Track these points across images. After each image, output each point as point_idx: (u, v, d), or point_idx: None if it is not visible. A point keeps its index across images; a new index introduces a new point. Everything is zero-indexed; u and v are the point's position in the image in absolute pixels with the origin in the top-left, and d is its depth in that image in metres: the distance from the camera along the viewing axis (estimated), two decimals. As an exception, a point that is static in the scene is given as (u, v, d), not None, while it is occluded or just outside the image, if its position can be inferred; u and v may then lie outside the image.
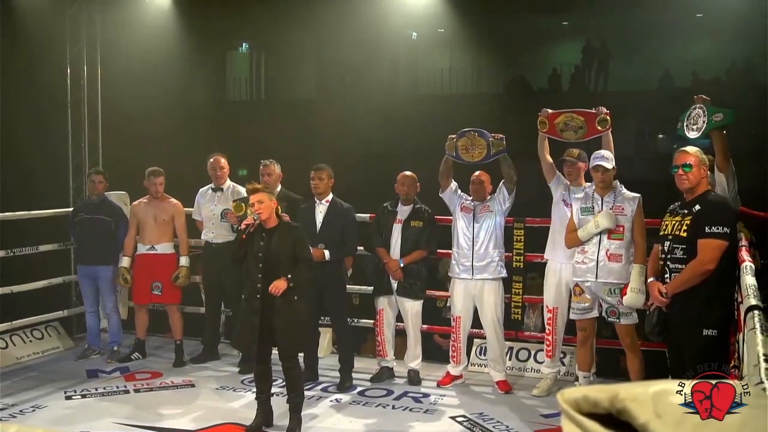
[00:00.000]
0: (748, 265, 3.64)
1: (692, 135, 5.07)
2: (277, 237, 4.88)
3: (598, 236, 5.24)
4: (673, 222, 4.36)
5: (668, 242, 4.36)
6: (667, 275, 4.36)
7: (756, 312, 2.70)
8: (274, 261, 4.85)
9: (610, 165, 5.24)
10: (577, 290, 5.40)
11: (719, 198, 4.35)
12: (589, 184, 5.73)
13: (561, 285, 5.82)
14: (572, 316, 5.55)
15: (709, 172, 4.49)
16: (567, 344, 6.18)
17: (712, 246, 4.10)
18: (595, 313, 5.40)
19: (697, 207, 4.22)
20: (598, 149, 5.58)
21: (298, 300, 4.93)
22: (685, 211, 4.28)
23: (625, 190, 5.31)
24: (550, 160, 5.87)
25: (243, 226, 4.92)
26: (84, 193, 7.90)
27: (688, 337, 4.24)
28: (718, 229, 4.09)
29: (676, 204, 4.47)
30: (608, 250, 5.21)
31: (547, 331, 5.99)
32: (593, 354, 5.64)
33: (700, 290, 4.16)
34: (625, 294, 5.07)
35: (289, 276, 4.81)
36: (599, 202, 5.29)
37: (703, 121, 5.03)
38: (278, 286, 4.78)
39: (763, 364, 2.07)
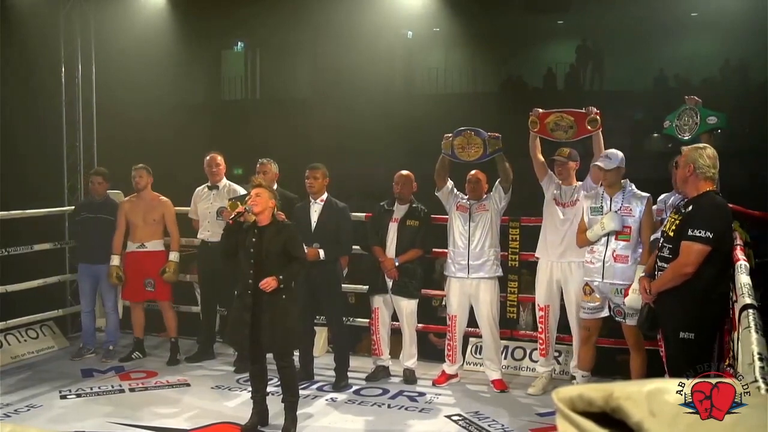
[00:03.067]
0: (742, 264, 3.64)
1: (684, 135, 5.08)
2: (269, 234, 4.89)
3: (606, 237, 5.23)
4: (670, 220, 4.32)
5: (662, 239, 4.36)
6: (657, 273, 4.36)
7: (751, 311, 2.70)
8: (265, 258, 4.86)
9: (610, 165, 5.22)
10: (587, 289, 5.39)
11: (713, 201, 4.13)
12: (580, 183, 5.75)
13: (552, 283, 5.83)
14: (582, 315, 5.52)
15: (713, 171, 4.18)
16: (562, 343, 6.19)
17: (692, 249, 4.01)
18: (605, 313, 5.39)
19: (690, 208, 4.13)
20: (590, 148, 5.60)
21: (286, 299, 4.93)
22: (683, 210, 4.22)
23: (635, 190, 5.28)
24: (542, 159, 5.88)
25: (234, 214, 4.94)
26: (79, 192, 7.89)
27: (669, 338, 4.26)
28: (700, 233, 3.98)
29: (682, 203, 4.37)
30: (615, 250, 5.20)
31: (539, 330, 6.00)
32: (594, 353, 5.64)
33: (682, 292, 4.11)
34: (627, 295, 5.06)
35: (281, 277, 4.82)
36: (608, 202, 5.29)
37: (695, 122, 5.04)
38: (269, 283, 4.79)
39: (757, 363, 2.07)
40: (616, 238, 5.21)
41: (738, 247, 4.06)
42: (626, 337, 5.37)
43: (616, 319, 5.36)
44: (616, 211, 5.21)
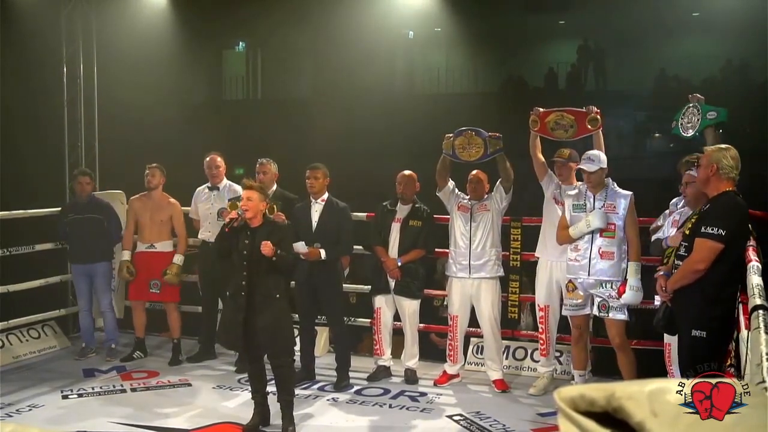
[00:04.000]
0: (754, 264, 3.63)
1: (687, 133, 5.07)
2: (261, 236, 4.89)
3: (591, 234, 5.25)
4: (690, 221, 4.34)
5: (681, 238, 4.38)
6: (673, 270, 4.39)
7: (761, 311, 2.69)
8: (258, 259, 4.86)
9: (593, 167, 5.24)
10: (570, 286, 5.41)
11: (731, 200, 4.12)
12: (581, 183, 5.74)
13: (552, 283, 5.83)
14: (564, 313, 5.57)
15: (736, 172, 4.17)
16: (563, 343, 6.19)
17: (703, 246, 4.03)
18: (587, 310, 5.42)
19: (708, 206, 4.16)
20: (590, 147, 5.61)
21: (280, 298, 4.94)
22: (702, 209, 4.23)
23: (617, 188, 5.32)
24: (542, 158, 5.88)
25: (227, 220, 4.96)
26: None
27: (682, 336, 4.28)
28: (712, 230, 4.00)
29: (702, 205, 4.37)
30: (600, 247, 5.22)
31: (540, 330, 6.00)
32: (588, 352, 5.65)
33: (696, 290, 4.13)
34: (623, 292, 5.08)
35: (278, 252, 4.81)
36: (591, 200, 5.31)
37: (697, 119, 5.04)
38: (268, 245, 4.77)
39: (765, 363, 2.07)
40: (600, 236, 5.23)
41: (750, 248, 4.05)
42: (611, 337, 5.34)
43: (600, 314, 5.34)
44: (600, 209, 5.23)
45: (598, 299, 5.30)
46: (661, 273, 4.60)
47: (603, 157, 5.32)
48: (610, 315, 5.27)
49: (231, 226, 4.94)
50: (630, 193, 5.29)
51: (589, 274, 5.27)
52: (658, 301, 4.89)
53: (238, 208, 4.97)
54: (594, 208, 5.26)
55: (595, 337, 5.93)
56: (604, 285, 5.23)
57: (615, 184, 5.35)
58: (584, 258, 5.28)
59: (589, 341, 5.70)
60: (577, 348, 5.59)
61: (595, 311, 5.36)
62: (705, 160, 4.15)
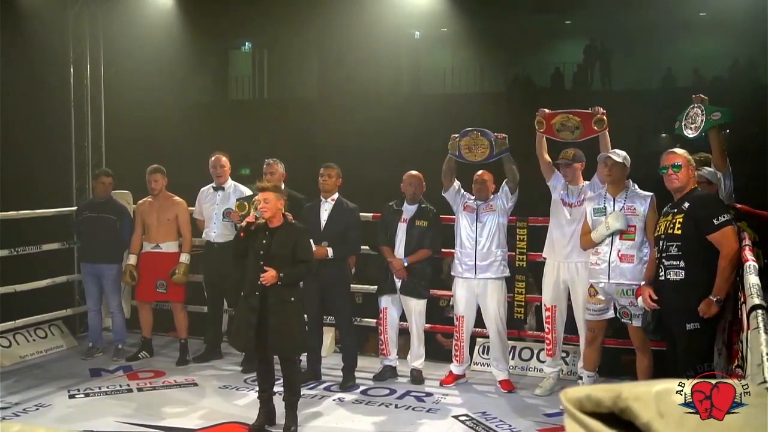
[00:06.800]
0: (751, 264, 3.64)
1: (690, 134, 5.07)
2: (279, 236, 4.90)
3: (611, 237, 5.21)
4: (665, 222, 4.46)
5: (662, 241, 4.44)
6: (662, 273, 4.40)
7: (759, 311, 2.70)
8: (275, 260, 4.86)
9: (618, 158, 5.21)
10: (592, 291, 5.36)
11: (706, 193, 4.53)
12: (587, 183, 5.73)
13: (559, 284, 5.82)
14: (587, 317, 5.49)
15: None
16: (569, 343, 6.18)
17: (727, 234, 4.23)
18: (610, 314, 5.36)
19: (686, 204, 4.35)
20: (597, 148, 5.59)
21: (294, 302, 4.94)
22: (675, 210, 4.40)
23: (638, 189, 5.27)
24: (549, 159, 5.86)
25: (244, 223, 4.96)
26: (87, 192, 7.90)
27: (677, 333, 4.36)
28: (723, 217, 4.24)
29: (668, 206, 4.57)
30: (620, 250, 5.17)
31: (546, 330, 5.99)
32: (600, 354, 5.63)
33: (688, 287, 4.28)
34: (640, 294, 5.04)
35: (281, 274, 4.83)
36: (611, 203, 5.27)
37: (701, 120, 5.03)
38: (268, 276, 4.80)
39: (766, 363, 2.07)
40: (620, 238, 5.18)
41: (746, 248, 4.07)
42: (632, 338, 5.35)
43: (622, 320, 5.33)
44: (620, 211, 5.19)
45: (619, 306, 5.27)
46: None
47: (628, 157, 5.30)
48: (633, 323, 5.22)
49: (248, 229, 4.93)
50: (651, 194, 5.22)
51: (609, 279, 5.22)
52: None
53: (247, 209, 4.97)
54: (614, 211, 5.24)
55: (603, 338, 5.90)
56: (625, 293, 5.17)
57: (636, 186, 5.29)
58: (604, 262, 5.23)
59: (601, 343, 5.66)
60: (590, 349, 5.55)
61: (618, 316, 5.32)
62: (684, 160, 4.46)
